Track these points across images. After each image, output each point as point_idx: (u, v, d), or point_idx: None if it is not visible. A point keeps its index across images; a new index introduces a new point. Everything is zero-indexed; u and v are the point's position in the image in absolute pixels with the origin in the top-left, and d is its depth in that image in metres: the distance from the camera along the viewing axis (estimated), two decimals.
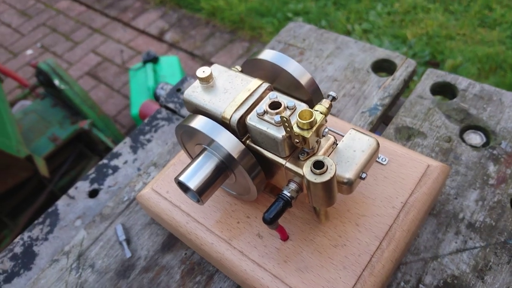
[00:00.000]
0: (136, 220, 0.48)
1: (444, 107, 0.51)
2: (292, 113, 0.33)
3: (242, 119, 0.34)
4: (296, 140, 0.31)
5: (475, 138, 0.48)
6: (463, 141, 0.48)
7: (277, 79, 0.39)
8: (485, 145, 0.47)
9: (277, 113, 0.32)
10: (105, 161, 0.58)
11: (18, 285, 0.48)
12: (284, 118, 0.30)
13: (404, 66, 0.56)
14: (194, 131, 0.35)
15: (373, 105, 0.52)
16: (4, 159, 1.37)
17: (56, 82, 1.62)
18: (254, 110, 0.34)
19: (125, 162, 0.58)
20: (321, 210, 0.36)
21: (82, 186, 0.56)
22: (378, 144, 0.34)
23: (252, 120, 0.33)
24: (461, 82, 0.53)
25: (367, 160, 0.34)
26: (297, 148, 0.34)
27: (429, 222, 0.42)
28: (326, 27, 2.04)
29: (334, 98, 0.34)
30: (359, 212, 0.38)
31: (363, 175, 0.34)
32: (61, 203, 0.55)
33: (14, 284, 0.48)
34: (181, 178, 0.35)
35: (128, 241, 0.46)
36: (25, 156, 1.44)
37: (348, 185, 0.33)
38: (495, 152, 0.46)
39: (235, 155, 0.34)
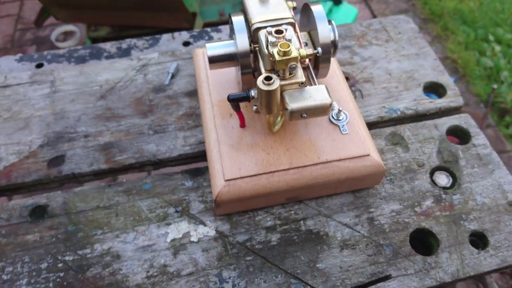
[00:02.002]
0: (188, 69, 0.66)
1: (444, 144, 0.56)
2: (287, 40, 0.45)
3: (258, 30, 0.47)
4: (270, 58, 0.44)
5: (443, 179, 0.53)
6: (431, 174, 0.54)
7: (313, 29, 0.50)
8: (443, 188, 0.53)
9: (275, 35, 0.45)
10: (209, 29, 0.76)
11: (105, 63, 0.70)
12: (265, 34, 0.42)
13: (450, 99, 0.60)
14: (232, 23, 0.49)
15: (395, 108, 0.60)
16: (177, 3, 1.65)
17: None
18: (266, 30, 0.46)
19: (219, 38, 0.75)
20: (268, 121, 0.48)
21: (183, 35, 0.75)
22: (330, 104, 0.45)
23: (261, 34, 0.46)
24: (479, 139, 0.56)
25: (313, 108, 0.44)
26: (275, 69, 0.46)
27: (347, 196, 0.52)
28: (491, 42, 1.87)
29: (318, 53, 0.44)
30: (295, 145, 0.49)
31: (304, 115, 0.45)
32: (165, 37, 0.75)
33: (102, 61, 0.71)
34: (207, 45, 0.50)
35: (173, 75, 0.64)
36: (192, 11, 1.72)
37: (288, 112, 0.45)
38: (443, 195, 0.52)
39: (239, 51, 0.47)
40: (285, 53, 0.43)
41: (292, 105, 0.45)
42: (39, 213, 0.51)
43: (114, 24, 1.86)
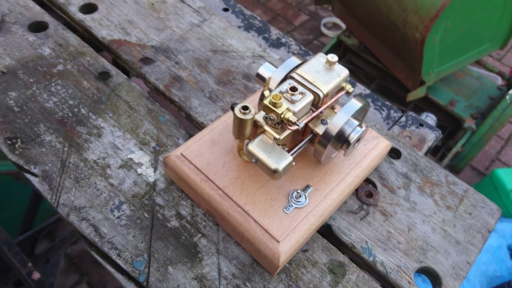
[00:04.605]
0: None
1: None
2: (291, 100, 0.47)
3: (290, 77, 0.50)
4: (263, 97, 0.47)
5: None
6: None
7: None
8: None
9: (287, 89, 0.47)
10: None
11: (246, 35, 0.81)
12: (267, 80, 0.46)
13: None
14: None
15: (373, 254, 0.54)
16: (417, 64, 1.62)
17: None
18: (289, 81, 0.49)
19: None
20: (238, 145, 0.52)
21: None
22: (273, 170, 0.46)
23: (286, 82, 0.49)
24: None
25: (261, 162, 0.47)
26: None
27: (247, 257, 0.52)
28: None
29: (298, 127, 0.45)
30: (245, 181, 0.52)
31: (253, 160, 0.48)
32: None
33: (247, 33, 0.82)
34: (266, 63, 0.55)
35: None
36: (423, 80, 1.67)
37: (246, 148, 0.48)
38: None
39: (267, 80, 0.51)
40: (273, 104, 0.45)
41: (252, 146, 0.48)
42: (104, 76, 0.68)
43: (361, 42, 1.97)
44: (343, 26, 2.37)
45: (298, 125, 0.45)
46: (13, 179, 1.30)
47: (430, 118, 0.86)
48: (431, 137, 0.73)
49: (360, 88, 0.79)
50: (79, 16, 0.76)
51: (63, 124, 0.62)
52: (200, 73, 0.71)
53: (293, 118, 0.45)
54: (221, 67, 0.72)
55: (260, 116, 0.48)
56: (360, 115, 0.52)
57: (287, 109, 0.46)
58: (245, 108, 0.46)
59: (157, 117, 0.64)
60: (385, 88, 1.92)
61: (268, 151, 0.47)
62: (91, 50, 0.71)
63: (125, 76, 0.69)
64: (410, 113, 0.76)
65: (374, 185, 0.60)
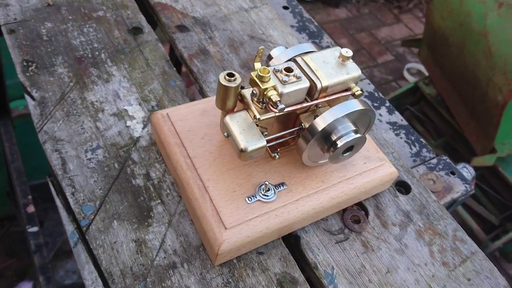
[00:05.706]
0: None
1: None
2: (281, 80, 0.42)
3: (293, 59, 0.45)
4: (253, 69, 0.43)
5: None
6: None
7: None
8: None
9: (282, 69, 0.43)
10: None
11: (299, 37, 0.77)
12: (260, 50, 0.41)
13: None
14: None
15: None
16: (492, 129, 1.47)
17: None
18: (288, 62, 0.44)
19: None
20: (221, 119, 0.48)
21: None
22: (239, 149, 0.42)
23: (285, 63, 0.45)
24: None
25: (232, 136, 0.43)
26: None
27: (195, 238, 0.48)
28: None
29: (279, 109, 0.40)
30: (216, 158, 0.48)
31: (225, 134, 0.44)
32: None
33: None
34: (280, 47, 0.51)
35: None
36: (495, 148, 1.51)
37: (222, 122, 0.44)
38: None
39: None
40: (259, 77, 0.41)
41: (229, 118, 0.44)
42: (136, 31, 0.69)
43: (439, 93, 1.84)
44: (427, 75, 2.25)
45: (277, 106, 0.40)
46: None
47: (466, 170, 0.75)
48: (460, 189, 0.63)
49: (397, 118, 0.71)
50: None
51: (79, 62, 0.62)
52: (228, 53, 0.68)
53: (275, 98, 0.41)
54: (252, 52, 0.69)
55: (248, 92, 0.44)
56: (360, 122, 0.46)
57: (273, 87, 0.41)
58: (231, 75, 0.42)
59: (169, 80, 0.63)
60: (452, 148, 1.77)
61: (242, 128, 0.43)
62: (134, 5, 0.72)
63: (156, 37, 0.69)
64: (445, 157, 0.67)
65: (367, 213, 0.53)
